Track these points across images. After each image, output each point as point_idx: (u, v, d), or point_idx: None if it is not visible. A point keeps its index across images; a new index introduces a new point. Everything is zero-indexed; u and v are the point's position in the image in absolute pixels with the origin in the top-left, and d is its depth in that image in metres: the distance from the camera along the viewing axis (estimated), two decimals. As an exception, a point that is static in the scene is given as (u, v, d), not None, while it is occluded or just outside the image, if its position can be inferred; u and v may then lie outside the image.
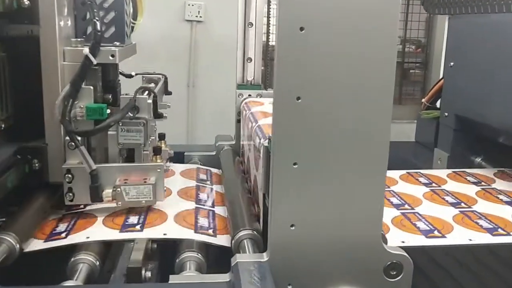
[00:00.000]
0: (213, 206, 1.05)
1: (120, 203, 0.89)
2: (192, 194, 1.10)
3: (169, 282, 0.74)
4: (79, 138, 0.88)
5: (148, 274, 0.79)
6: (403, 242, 0.89)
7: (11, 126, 0.97)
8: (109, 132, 0.93)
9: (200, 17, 2.93)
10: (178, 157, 1.34)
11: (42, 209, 0.93)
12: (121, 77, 1.09)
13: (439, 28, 3.56)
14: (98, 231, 0.88)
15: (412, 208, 1.05)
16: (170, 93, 1.27)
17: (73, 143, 0.88)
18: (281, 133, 0.71)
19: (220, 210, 1.03)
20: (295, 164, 0.72)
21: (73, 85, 0.89)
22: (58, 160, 0.92)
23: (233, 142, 1.39)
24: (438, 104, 1.56)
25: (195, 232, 0.90)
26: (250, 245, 0.83)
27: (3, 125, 0.94)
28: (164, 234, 0.87)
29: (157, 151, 1.03)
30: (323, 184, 0.73)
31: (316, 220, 0.74)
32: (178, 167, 1.26)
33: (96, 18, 0.90)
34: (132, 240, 0.85)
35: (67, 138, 0.89)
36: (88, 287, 0.76)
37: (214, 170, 1.31)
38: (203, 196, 1.10)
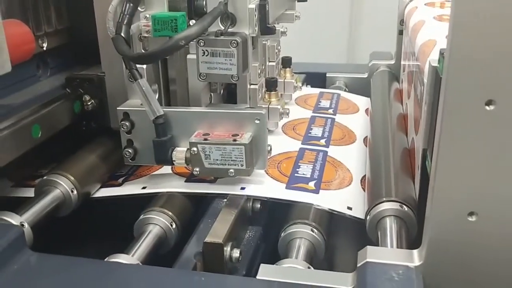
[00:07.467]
0: (327, 145, 0.75)
1: (197, 169, 0.60)
2: (301, 129, 0.80)
3: (257, 277, 0.47)
4: (142, 67, 0.60)
5: (236, 253, 0.53)
6: None
7: (61, 47, 0.72)
8: (188, 57, 0.63)
9: None
10: (318, 79, 1.10)
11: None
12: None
13: None
14: (166, 181, 0.64)
15: None
16: None
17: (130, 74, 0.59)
18: (467, 46, 0.37)
19: (336, 152, 0.73)
20: (489, 103, 0.37)
21: None
22: (122, 98, 0.66)
23: (392, 62, 1.05)
24: None
25: (287, 187, 0.62)
26: (395, 228, 0.51)
27: (45, 45, 0.68)
28: (242, 189, 0.61)
29: (271, 85, 0.73)
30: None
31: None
32: (296, 93, 0.93)
33: None
34: (220, 195, 0.60)
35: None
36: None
37: (357, 98, 0.98)
38: (316, 131, 0.80)
